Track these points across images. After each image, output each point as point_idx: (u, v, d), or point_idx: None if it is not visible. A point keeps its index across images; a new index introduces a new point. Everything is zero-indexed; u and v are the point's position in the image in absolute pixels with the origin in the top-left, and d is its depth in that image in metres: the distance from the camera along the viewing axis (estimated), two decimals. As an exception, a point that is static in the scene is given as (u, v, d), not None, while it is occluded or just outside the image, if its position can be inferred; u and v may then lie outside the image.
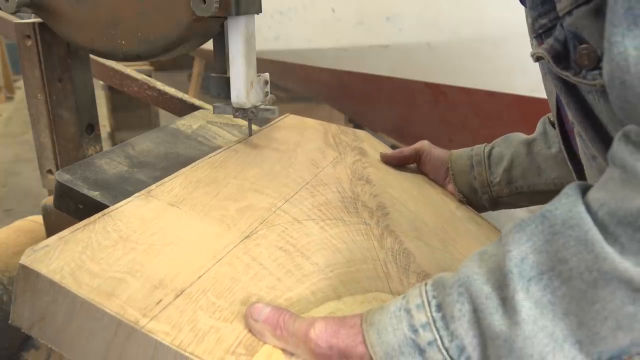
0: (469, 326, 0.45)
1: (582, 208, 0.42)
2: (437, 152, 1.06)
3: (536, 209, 0.52)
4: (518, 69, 2.59)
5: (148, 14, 0.79)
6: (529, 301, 0.42)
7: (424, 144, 1.07)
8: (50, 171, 0.97)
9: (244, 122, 1.11)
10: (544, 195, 0.95)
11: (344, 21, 3.16)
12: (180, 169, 0.82)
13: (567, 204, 0.43)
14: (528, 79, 2.53)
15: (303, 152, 0.97)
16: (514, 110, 2.50)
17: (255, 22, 0.84)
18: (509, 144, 0.99)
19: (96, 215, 0.64)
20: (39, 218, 1.17)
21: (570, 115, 0.59)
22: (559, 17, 0.53)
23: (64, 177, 0.83)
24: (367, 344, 0.48)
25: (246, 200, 0.75)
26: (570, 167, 0.73)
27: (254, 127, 1.01)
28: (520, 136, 1.00)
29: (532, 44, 0.67)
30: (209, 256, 0.61)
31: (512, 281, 0.43)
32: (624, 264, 0.39)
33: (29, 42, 0.90)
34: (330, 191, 0.85)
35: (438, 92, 3.03)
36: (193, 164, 0.83)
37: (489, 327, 0.43)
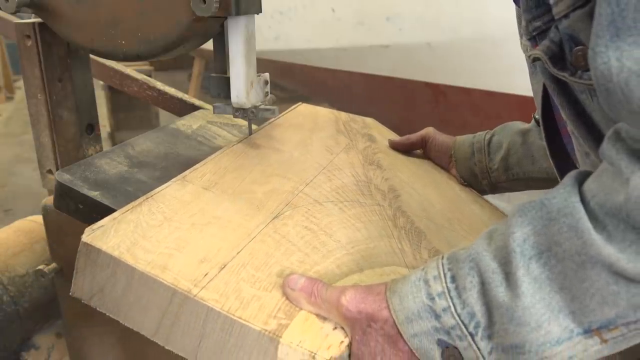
0: (478, 296, 0.51)
1: (576, 198, 0.47)
2: (442, 138, 1.11)
3: (532, 193, 0.55)
4: (518, 69, 2.58)
5: (148, 14, 0.78)
6: (529, 277, 0.48)
7: (429, 131, 1.12)
8: (50, 171, 0.97)
9: (244, 122, 1.11)
10: (539, 182, 1.01)
11: (344, 21, 3.15)
12: (180, 169, 0.82)
13: (564, 193, 0.48)
14: (528, 79, 2.52)
15: (317, 139, 1.02)
16: (513, 110, 2.50)
17: (255, 22, 0.84)
18: (507, 133, 1.05)
19: (141, 198, 0.71)
20: (39, 218, 1.17)
21: (564, 114, 0.61)
22: (554, 20, 0.55)
23: (64, 177, 0.83)
24: (391, 309, 0.55)
25: (270, 184, 0.82)
26: (552, 163, 0.77)
27: (254, 126, 1.02)
28: (518, 125, 1.05)
29: (522, 44, 0.68)
30: (243, 234, 0.69)
31: (514, 259, 0.49)
32: (608, 250, 0.44)
33: (29, 42, 0.90)
34: (345, 175, 0.91)
35: (438, 92, 3.03)
36: (217, 152, 0.89)
37: (494, 297, 0.50)
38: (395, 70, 3.12)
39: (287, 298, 0.60)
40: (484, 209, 1.04)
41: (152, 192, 0.73)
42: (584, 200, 0.47)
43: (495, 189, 1.07)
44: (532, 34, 0.60)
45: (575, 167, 0.69)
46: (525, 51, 0.69)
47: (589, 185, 0.48)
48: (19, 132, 5.46)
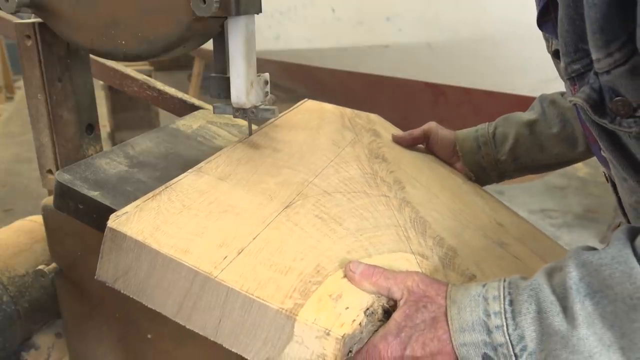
0: (531, 322, 0.56)
1: (629, 250, 0.53)
2: (444, 133, 1.14)
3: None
4: (518, 69, 2.58)
5: (148, 14, 0.78)
6: (584, 311, 0.53)
7: (431, 126, 1.15)
8: (50, 171, 0.97)
9: (244, 122, 1.11)
10: (548, 167, 1.09)
11: (344, 21, 3.15)
12: (180, 169, 0.82)
13: (618, 245, 0.54)
14: (528, 79, 2.52)
15: (324, 133, 1.06)
16: (513, 110, 2.50)
17: (255, 22, 0.84)
18: (510, 124, 1.09)
19: (160, 188, 0.75)
20: (39, 218, 1.17)
21: (602, 145, 0.65)
22: (592, 64, 0.58)
23: (64, 177, 0.83)
24: (448, 316, 0.60)
25: (281, 175, 0.85)
26: (613, 192, 0.82)
27: (254, 126, 1.02)
28: (521, 116, 1.09)
29: (563, 73, 0.71)
30: (258, 222, 0.72)
31: (571, 295, 0.54)
32: None
33: (29, 42, 0.90)
34: (352, 168, 0.94)
35: (438, 92, 3.03)
36: (230, 145, 0.92)
37: (550, 325, 0.55)
38: (395, 70, 3.12)
39: (349, 279, 0.66)
40: (485, 200, 1.07)
41: (171, 182, 0.77)
42: (636, 254, 0.53)
43: (503, 177, 1.12)
44: (571, 75, 0.64)
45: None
46: (562, 75, 0.72)
47: None
48: (19, 132, 5.46)
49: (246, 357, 0.61)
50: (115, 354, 0.97)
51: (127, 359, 0.96)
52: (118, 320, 0.93)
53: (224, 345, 0.62)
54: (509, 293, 0.59)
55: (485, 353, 0.57)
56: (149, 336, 0.89)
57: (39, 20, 0.89)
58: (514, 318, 0.57)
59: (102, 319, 0.96)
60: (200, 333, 0.63)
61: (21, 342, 1.09)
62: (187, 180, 0.78)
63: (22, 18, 0.96)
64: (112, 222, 0.67)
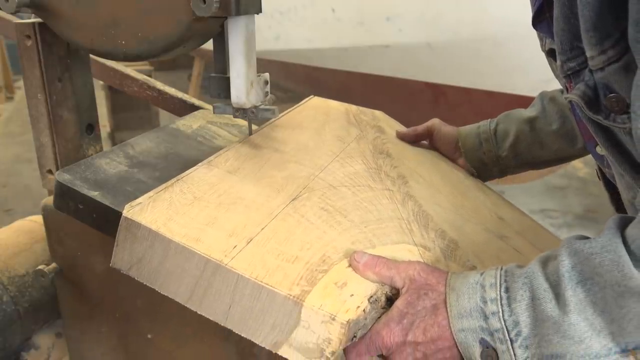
0: (526, 308, 0.58)
1: (619, 240, 0.54)
2: (447, 129, 1.16)
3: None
4: (518, 69, 2.58)
5: (148, 14, 0.78)
6: (576, 298, 0.55)
7: (434, 122, 1.18)
8: (50, 171, 0.97)
9: (244, 122, 1.11)
10: (548, 163, 1.11)
11: (344, 21, 3.15)
12: (180, 169, 0.82)
13: (608, 234, 0.55)
14: (529, 79, 2.52)
15: (330, 129, 1.08)
16: (514, 110, 2.50)
17: (255, 22, 0.84)
18: (511, 121, 1.11)
19: (172, 180, 0.77)
20: (39, 218, 1.17)
21: (599, 141, 0.67)
22: (587, 61, 0.60)
23: (64, 177, 0.83)
24: (447, 302, 0.62)
25: (288, 170, 0.88)
26: (605, 190, 0.84)
27: (254, 126, 1.02)
28: (522, 113, 1.11)
29: (556, 70, 0.73)
30: (266, 213, 0.75)
31: (563, 282, 0.56)
32: None
33: (29, 42, 0.90)
34: (357, 163, 0.97)
35: (438, 92, 3.03)
36: (237, 141, 0.94)
37: (543, 311, 0.56)
38: (396, 71, 3.12)
39: (353, 269, 0.67)
40: (487, 195, 1.09)
41: (182, 175, 0.79)
42: (625, 243, 0.54)
43: (505, 173, 1.14)
44: (567, 73, 0.65)
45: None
46: (557, 74, 0.73)
47: (631, 231, 0.55)
48: (19, 132, 5.46)
49: (255, 341, 0.63)
50: (115, 353, 0.97)
51: (127, 359, 0.96)
52: (118, 320, 0.93)
53: (233, 330, 0.64)
54: (505, 280, 0.60)
55: (482, 338, 0.59)
56: (149, 336, 0.89)
57: (39, 20, 0.89)
58: (509, 305, 0.59)
59: (102, 319, 0.96)
60: (211, 319, 0.65)
61: (21, 342, 1.09)
62: (197, 173, 0.80)
63: (22, 18, 0.97)
64: (127, 211, 0.69)
